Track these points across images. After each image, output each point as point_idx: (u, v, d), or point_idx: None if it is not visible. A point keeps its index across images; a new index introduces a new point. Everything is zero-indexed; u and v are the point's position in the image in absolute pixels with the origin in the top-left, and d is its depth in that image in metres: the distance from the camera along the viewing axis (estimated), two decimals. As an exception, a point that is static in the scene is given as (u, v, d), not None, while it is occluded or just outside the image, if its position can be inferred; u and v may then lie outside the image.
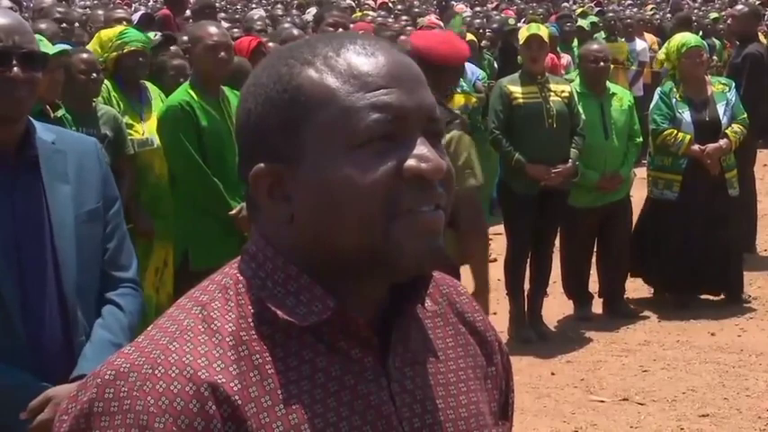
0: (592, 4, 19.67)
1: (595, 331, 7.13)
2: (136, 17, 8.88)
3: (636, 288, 7.77)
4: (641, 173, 8.30)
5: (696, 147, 7.32)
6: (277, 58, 1.33)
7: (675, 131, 7.35)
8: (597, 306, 7.54)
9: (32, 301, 2.65)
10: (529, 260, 7.20)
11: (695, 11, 18.74)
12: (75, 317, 2.71)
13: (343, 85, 1.27)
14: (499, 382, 1.49)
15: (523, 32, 7.29)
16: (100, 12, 9.53)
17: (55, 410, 2.57)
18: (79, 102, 5.17)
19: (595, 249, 7.53)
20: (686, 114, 7.39)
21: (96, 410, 1.21)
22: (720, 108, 7.48)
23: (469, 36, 10.58)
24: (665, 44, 8.14)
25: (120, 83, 5.70)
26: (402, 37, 9.01)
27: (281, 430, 1.23)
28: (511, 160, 6.86)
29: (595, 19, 14.35)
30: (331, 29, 7.39)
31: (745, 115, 7.57)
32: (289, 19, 11.92)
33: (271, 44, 6.69)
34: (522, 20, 14.46)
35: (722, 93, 7.55)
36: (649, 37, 13.67)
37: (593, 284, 7.56)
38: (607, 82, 7.51)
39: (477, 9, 18.58)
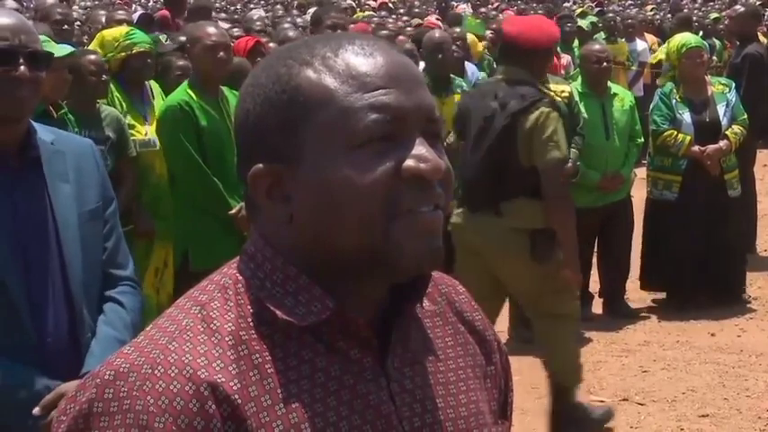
0: (592, 5, 19.67)
1: (595, 331, 7.12)
2: (135, 17, 8.87)
3: (636, 288, 7.77)
4: (641, 173, 8.30)
5: (696, 148, 7.32)
6: (276, 58, 1.33)
7: (675, 132, 7.35)
8: (597, 306, 7.54)
9: (40, 299, 2.67)
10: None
11: (695, 11, 18.74)
12: (82, 315, 2.73)
13: (342, 85, 1.27)
14: (498, 381, 1.49)
15: (524, 32, 7.27)
16: (101, 12, 9.53)
17: None
18: (85, 103, 5.18)
19: (596, 249, 7.53)
20: (686, 115, 7.39)
21: (96, 411, 1.21)
22: (720, 109, 7.48)
23: (471, 37, 10.58)
24: (665, 44, 8.14)
25: (123, 83, 5.70)
26: (400, 37, 9.03)
27: (282, 429, 1.23)
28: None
29: (594, 19, 14.35)
30: (330, 31, 7.40)
31: (746, 116, 7.57)
32: (289, 19, 11.93)
33: (271, 44, 6.69)
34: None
35: (722, 93, 7.55)
36: (650, 37, 13.68)
37: (594, 284, 7.56)
38: (608, 82, 7.51)
39: (482, 10, 18.54)
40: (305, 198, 1.27)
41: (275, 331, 1.28)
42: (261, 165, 1.29)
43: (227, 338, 1.26)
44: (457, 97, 7.27)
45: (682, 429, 5.58)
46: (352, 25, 10.08)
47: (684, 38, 7.68)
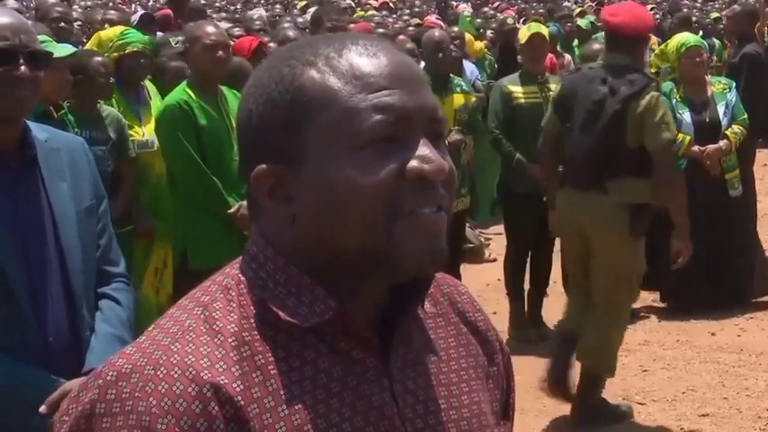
0: (592, 4, 19.65)
1: (595, 331, 7.12)
2: (136, 17, 8.86)
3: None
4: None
5: (696, 148, 7.32)
6: (278, 58, 1.33)
7: (675, 132, 7.33)
8: (597, 306, 7.52)
9: (41, 296, 2.67)
10: (529, 260, 7.20)
11: (695, 11, 18.73)
12: (81, 312, 2.74)
13: (346, 85, 1.26)
14: (500, 381, 1.49)
15: (525, 32, 7.28)
16: (100, 11, 9.52)
17: None
18: (88, 103, 5.19)
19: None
20: (686, 115, 7.38)
21: (98, 411, 1.21)
22: (720, 109, 7.47)
23: (468, 36, 10.59)
24: (663, 44, 8.13)
25: (120, 83, 5.70)
26: (401, 36, 9.03)
27: (285, 431, 1.23)
28: (512, 160, 6.86)
29: (593, 18, 14.34)
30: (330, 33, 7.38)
31: (746, 116, 7.56)
32: (288, 19, 11.92)
33: (271, 44, 6.67)
34: (522, 19, 14.46)
35: (722, 93, 7.54)
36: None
37: (593, 284, 7.55)
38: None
39: (485, 9, 18.50)
40: (308, 199, 1.27)
41: (278, 332, 1.27)
42: (264, 165, 1.28)
43: (229, 339, 1.26)
44: (456, 96, 7.28)
45: (682, 429, 5.58)
46: (352, 25, 10.08)
47: (684, 37, 7.67)
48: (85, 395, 1.24)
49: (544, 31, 7.30)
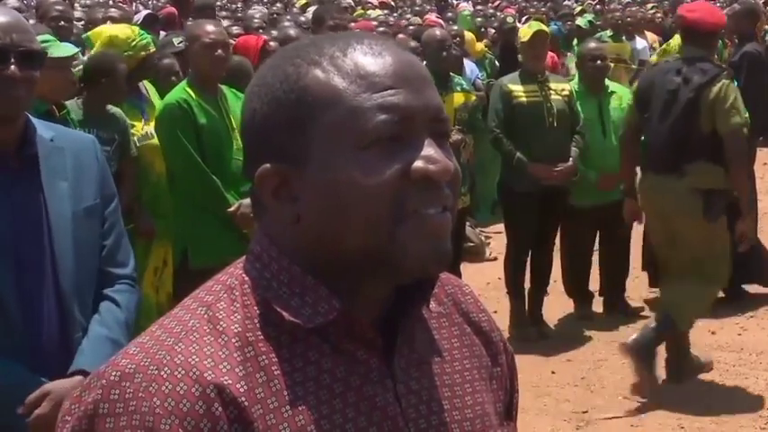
0: (592, 3, 19.64)
1: (596, 330, 7.13)
2: (139, 17, 8.84)
3: (636, 287, 7.77)
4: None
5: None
6: (283, 58, 1.32)
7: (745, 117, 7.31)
8: (597, 305, 7.53)
9: (30, 297, 2.65)
10: (529, 259, 7.20)
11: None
12: (72, 313, 2.71)
13: (350, 85, 1.26)
14: (504, 382, 1.48)
15: (526, 31, 7.26)
16: (100, 10, 9.50)
17: (52, 405, 2.57)
18: (102, 105, 5.22)
19: (596, 248, 7.53)
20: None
21: (101, 412, 1.20)
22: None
23: (468, 35, 10.58)
24: (665, 44, 8.12)
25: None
26: (400, 35, 9.03)
27: (288, 432, 1.23)
28: (512, 159, 6.85)
29: (591, 17, 14.33)
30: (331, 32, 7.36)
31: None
32: (289, 17, 11.90)
33: (272, 44, 6.65)
34: (523, 18, 14.45)
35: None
36: (650, 35, 13.66)
37: (594, 283, 7.56)
38: (607, 80, 7.49)
39: (486, 8, 18.49)
40: (312, 199, 1.26)
41: (282, 333, 1.27)
42: (268, 165, 1.28)
43: (233, 340, 1.25)
44: (456, 95, 7.28)
45: (682, 428, 5.58)
46: (352, 24, 10.07)
47: (685, 36, 7.66)
48: (88, 395, 1.23)
49: (546, 29, 7.28)
